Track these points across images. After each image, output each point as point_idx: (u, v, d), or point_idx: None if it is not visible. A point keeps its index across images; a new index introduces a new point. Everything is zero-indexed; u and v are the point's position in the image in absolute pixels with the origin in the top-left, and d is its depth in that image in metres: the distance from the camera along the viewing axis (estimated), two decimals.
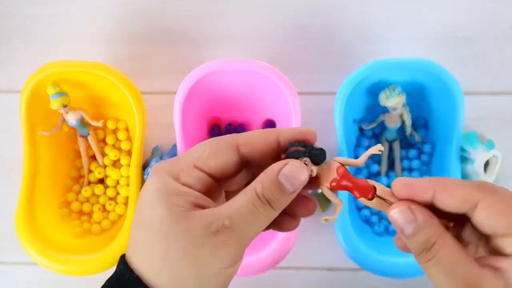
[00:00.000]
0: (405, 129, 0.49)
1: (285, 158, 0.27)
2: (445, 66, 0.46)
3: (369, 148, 0.50)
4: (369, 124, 0.50)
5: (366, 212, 0.49)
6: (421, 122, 0.50)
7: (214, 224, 0.24)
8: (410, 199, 0.26)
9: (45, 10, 0.56)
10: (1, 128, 0.55)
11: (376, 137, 0.51)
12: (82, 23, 0.55)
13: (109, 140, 0.51)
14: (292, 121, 0.45)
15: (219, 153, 0.27)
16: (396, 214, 0.26)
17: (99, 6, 0.55)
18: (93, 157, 0.52)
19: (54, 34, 0.56)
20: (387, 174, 0.50)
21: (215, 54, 0.54)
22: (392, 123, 0.48)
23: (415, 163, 0.50)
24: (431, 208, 0.26)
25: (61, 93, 0.47)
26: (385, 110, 0.48)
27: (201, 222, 0.24)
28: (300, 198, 0.28)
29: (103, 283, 0.27)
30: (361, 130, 0.51)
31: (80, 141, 0.51)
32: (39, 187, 0.48)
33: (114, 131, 0.52)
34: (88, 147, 0.52)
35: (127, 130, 0.52)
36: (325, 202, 0.50)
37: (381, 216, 0.49)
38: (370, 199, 0.27)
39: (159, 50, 0.55)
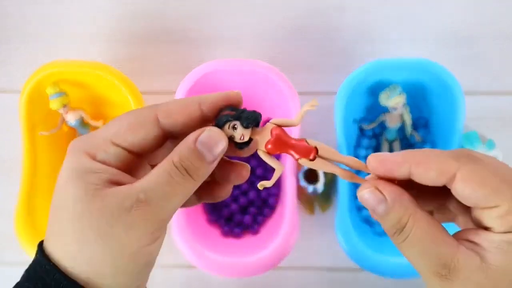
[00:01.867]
0: (405, 129, 0.49)
1: (215, 123, 0.25)
2: (445, 66, 0.45)
3: (369, 148, 0.50)
4: (369, 124, 0.49)
5: (366, 212, 0.49)
6: (422, 122, 0.50)
7: (127, 200, 0.23)
8: (385, 176, 0.25)
9: (45, 10, 0.56)
10: (1, 128, 0.55)
11: (376, 137, 0.51)
12: (82, 23, 0.55)
13: None
14: None
15: (137, 127, 0.25)
16: (366, 194, 0.25)
17: (99, 6, 0.55)
18: None
19: (54, 34, 0.56)
20: None
21: (215, 54, 0.54)
22: (393, 123, 0.48)
23: None
24: (411, 183, 0.25)
25: (61, 93, 0.47)
26: (385, 110, 0.48)
27: (116, 199, 0.23)
28: (231, 164, 0.27)
29: None
30: (361, 130, 0.51)
31: None
32: (39, 187, 0.48)
33: None
34: None
35: None
36: (325, 202, 0.50)
37: None
38: (312, 160, 0.26)
39: (159, 50, 0.55)
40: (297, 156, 0.26)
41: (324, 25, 0.54)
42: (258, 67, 0.45)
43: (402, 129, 0.49)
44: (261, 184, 0.27)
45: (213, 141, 0.25)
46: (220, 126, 0.25)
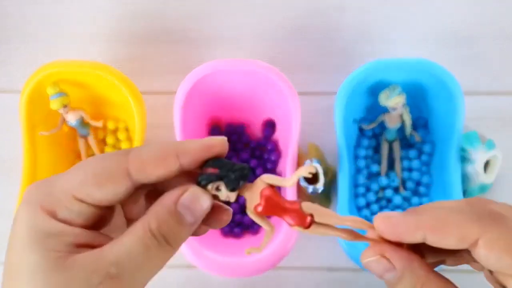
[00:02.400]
0: (405, 129, 0.49)
1: (197, 182, 0.22)
2: (445, 66, 0.45)
3: (368, 148, 0.50)
4: (369, 124, 0.49)
5: (366, 212, 0.49)
6: (421, 122, 0.50)
7: (96, 275, 0.20)
8: (394, 240, 0.22)
9: (45, 10, 0.56)
10: (1, 128, 0.55)
11: (376, 137, 0.51)
12: (82, 23, 0.55)
13: (109, 140, 0.51)
14: (292, 121, 0.45)
15: (104, 180, 0.21)
16: (372, 264, 0.22)
17: (99, 6, 0.55)
18: None
19: (54, 34, 0.56)
20: (387, 174, 0.50)
21: (215, 54, 0.54)
22: (392, 123, 0.48)
23: (415, 163, 0.50)
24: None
25: (61, 93, 0.47)
26: (385, 110, 0.48)
27: (81, 272, 0.20)
28: (212, 209, 0.23)
29: None
30: (361, 130, 0.51)
31: (80, 141, 0.51)
32: None
33: (114, 131, 0.52)
34: (88, 147, 0.52)
35: (127, 130, 0.52)
36: (325, 202, 0.50)
37: None
38: (307, 228, 0.22)
39: (159, 50, 0.55)
40: (291, 223, 0.23)
41: (324, 25, 0.54)
42: (258, 67, 0.45)
43: (401, 129, 0.49)
44: (249, 251, 0.24)
45: (197, 202, 0.22)
46: (202, 186, 0.22)
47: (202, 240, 0.44)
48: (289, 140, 0.46)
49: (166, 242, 0.21)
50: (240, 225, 0.49)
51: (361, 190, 0.50)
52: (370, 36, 0.54)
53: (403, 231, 0.22)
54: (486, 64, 0.53)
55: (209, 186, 0.22)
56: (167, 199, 0.21)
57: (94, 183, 0.21)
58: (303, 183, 0.44)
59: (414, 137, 0.50)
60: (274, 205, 0.22)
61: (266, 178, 0.23)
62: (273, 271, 0.52)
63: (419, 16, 0.54)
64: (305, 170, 0.23)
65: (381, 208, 0.50)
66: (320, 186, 0.43)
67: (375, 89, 0.47)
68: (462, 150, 0.47)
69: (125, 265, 0.20)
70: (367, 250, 0.22)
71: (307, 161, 0.44)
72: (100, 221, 0.23)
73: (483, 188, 0.49)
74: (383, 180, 0.50)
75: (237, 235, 0.48)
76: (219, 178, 0.22)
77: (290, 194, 0.44)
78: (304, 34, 0.54)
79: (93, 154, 0.52)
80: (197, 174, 0.23)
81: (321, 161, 0.48)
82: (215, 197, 0.23)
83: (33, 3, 0.56)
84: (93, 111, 0.51)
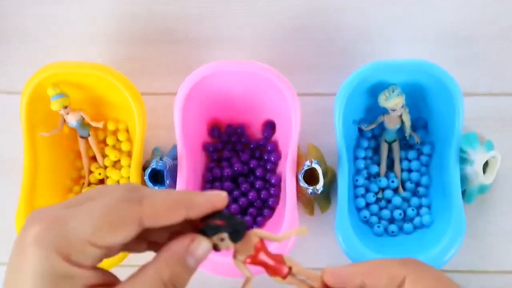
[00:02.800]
0: (404, 130, 0.49)
1: (203, 230, 0.24)
2: (444, 67, 0.46)
3: (368, 149, 0.51)
4: (368, 125, 0.50)
5: (365, 213, 0.49)
6: (421, 123, 0.50)
7: None
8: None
9: (45, 10, 0.56)
10: (1, 129, 0.55)
11: (376, 138, 0.51)
12: (82, 23, 0.55)
13: (109, 141, 0.52)
14: (292, 122, 0.45)
15: (118, 226, 0.22)
16: None
17: (99, 6, 0.55)
18: (93, 158, 0.52)
19: (54, 34, 0.56)
20: (386, 175, 0.50)
21: (215, 54, 0.54)
22: (392, 124, 0.48)
23: (415, 164, 0.50)
24: None
25: (62, 94, 0.47)
26: (384, 111, 0.48)
27: None
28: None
29: None
30: (360, 131, 0.51)
31: (81, 142, 0.51)
32: (39, 187, 0.48)
33: (114, 132, 0.52)
34: (89, 148, 0.52)
35: (127, 131, 0.52)
36: (325, 203, 0.51)
37: (380, 217, 0.50)
38: (284, 278, 0.26)
39: (159, 50, 0.55)
40: (271, 273, 0.26)
41: (324, 26, 0.54)
42: (258, 68, 0.45)
43: (401, 130, 0.49)
44: None
45: (205, 254, 0.24)
46: (208, 235, 0.24)
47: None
48: (289, 140, 0.46)
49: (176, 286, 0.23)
50: None
51: (361, 191, 0.50)
52: (370, 36, 0.54)
53: (345, 279, 0.26)
54: (485, 65, 0.53)
55: (215, 237, 0.24)
56: (179, 248, 0.23)
57: (108, 229, 0.22)
58: (303, 184, 0.44)
59: (413, 138, 0.50)
60: (263, 258, 0.26)
61: (259, 233, 0.26)
62: None
63: (419, 16, 0.54)
64: (298, 232, 0.26)
65: (381, 209, 0.50)
66: (319, 187, 0.43)
67: (374, 90, 0.47)
68: (461, 151, 0.48)
69: None
70: None
71: (307, 162, 0.44)
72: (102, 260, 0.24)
73: (482, 189, 0.49)
74: (383, 181, 0.50)
75: None
76: (224, 229, 0.24)
77: (290, 196, 0.44)
78: (304, 34, 0.54)
79: (93, 155, 0.52)
80: (194, 222, 0.25)
81: (321, 161, 0.48)
82: (215, 245, 0.25)
83: (33, 3, 0.56)
84: (93, 112, 0.51)
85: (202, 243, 0.24)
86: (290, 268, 0.26)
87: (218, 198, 0.25)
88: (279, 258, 0.26)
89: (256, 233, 0.26)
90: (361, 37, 0.54)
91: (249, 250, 0.25)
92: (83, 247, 0.22)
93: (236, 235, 0.24)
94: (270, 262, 0.26)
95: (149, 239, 0.26)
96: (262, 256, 0.26)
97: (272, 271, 0.26)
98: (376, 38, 0.54)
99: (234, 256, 0.26)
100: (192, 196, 0.24)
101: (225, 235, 0.24)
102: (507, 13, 0.53)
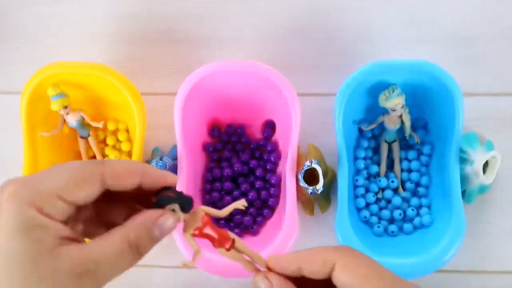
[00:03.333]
0: (404, 130, 0.49)
1: (157, 201, 0.27)
2: (444, 67, 0.46)
3: (368, 149, 0.51)
4: (368, 125, 0.50)
5: (365, 213, 0.49)
6: (421, 123, 0.50)
7: (79, 267, 0.24)
8: (281, 273, 0.28)
9: (45, 10, 0.56)
10: (1, 129, 0.55)
11: (376, 138, 0.51)
12: (82, 23, 0.55)
13: (110, 141, 0.52)
14: (292, 122, 0.45)
15: (84, 183, 0.26)
16: (259, 282, 0.28)
17: (99, 6, 0.55)
18: (93, 158, 0.52)
19: (54, 34, 0.56)
20: (386, 175, 0.50)
21: (215, 54, 0.54)
22: (392, 124, 0.48)
23: (414, 164, 0.50)
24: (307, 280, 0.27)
25: (62, 94, 0.47)
26: (384, 111, 0.48)
27: (67, 263, 0.24)
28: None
29: None
30: (360, 131, 0.51)
31: (81, 142, 0.51)
32: None
33: (114, 132, 0.52)
34: (89, 148, 0.52)
35: (127, 131, 0.52)
36: (325, 203, 0.51)
37: (380, 217, 0.50)
38: (227, 250, 0.29)
39: (159, 51, 0.55)
40: (216, 245, 0.29)
41: (324, 26, 0.54)
42: (258, 68, 0.45)
43: (401, 130, 0.49)
44: (184, 264, 0.29)
45: (170, 226, 0.27)
46: (160, 206, 0.27)
47: (202, 241, 0.44)
48: (289, 141, 0.46)
49: (138, 252, 0.26)
50: (240, 226, 0.49)
51: (361, 191, 0.50)
52: (370, 36, 0.54)
53: (285, 265, 0.28)
54: (485, 65, 0.53)
55: (167, 207, 0.27)
56: (146, 219, 0.26)
57: (75, 185, 0.25)
58: (303, 184, 0.44)
59: (413, 138, 0.50)
60: (209, 230, 0.29)
61: (205, 208, 0.29)
62: None
63: (419, 16, 0.54)
64: (240, 204, 0.30)
65: (381, 209, 0.50)
66: (319, 187, 0.43)
67: (374, 90, 0.47)
68: (461, 151, 0.48)
69: (101, 264, 0.25)
70: (257, 273, 0.28)
71: (307, 162, 0.44)
72: (75, 220, 0.27)
73: (482, 189, 0.49)
74: (383, 181, 0.50)
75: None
76: (175, 201, 0.27)
77: (290, 196, 0.44)
78: (304, 34, 0.54)
79: (93, 155, 0.52)
80: (147, 200, 0.28)
81: (321, 162, 0.48)
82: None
83: (33, 3, 0.56)
84: (93, 112, 0.51)
85: (170, 219, 0.27)
86: (233, 241, 0.29)
87: (170, 175, 0.28)
88: (223, 233, 0.29)
89: (203, 209, 0.29)
90: (361, 37, 0.54)
91: (197, 224, 0.28)
92: (54, 201, 0.25)
93: (186, 206, 0.28)
94: (215, 235, 0.29)
95: (107, 219, 0.29)
96: (208, 230, 0.29)
97: (217, 242, 0.29)
98: (376, 38, 0.54)
99: (184, 230, 0.29)
100: (148, 167, 0.28)
101: (176, 206, 0.27)
102: (507, 13, 0.53)
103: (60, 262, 0.24)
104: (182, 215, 0.28)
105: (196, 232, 0.28)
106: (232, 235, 0.29)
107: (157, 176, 0.28)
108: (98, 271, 0.24)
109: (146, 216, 0.26)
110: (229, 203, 0.49)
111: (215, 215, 0.30)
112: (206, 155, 0.52)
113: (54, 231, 0.24)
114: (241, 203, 0.30)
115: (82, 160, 0.28)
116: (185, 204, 0.28)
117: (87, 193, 0.26)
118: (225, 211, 0.30)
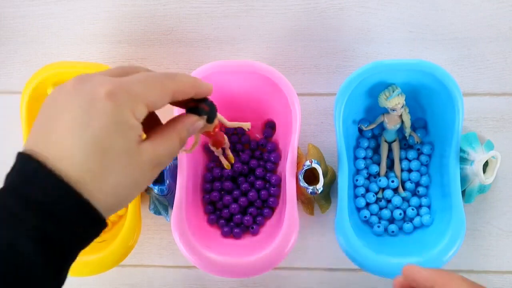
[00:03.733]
0: (404, 130, 0.49)
1: (194, 109, 0.35)
2: (444, 67, 0.46)
3: (368, 149, 0.51)
4: (368, 125, 0.50)
5: (365, 212, 0.49)
6: (421, 123, 0.50)
7: (154, 160, 0.31)
8: (410, 285, 0.33)
9: (45, 10, 0.56)
10: (1, 129, 0.55)
11: (376, 138, 0.51)
12: (82, 23, 0.55)
13: None
14: (292, 122, 0.45)
15: (163, 97, 0.31)
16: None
17: (99, 7, 0.55)
18: None
19: (55, 34, 0.56)
20: (386, 175, 0.50)
21: (215, 55, 0.54)
22: (392, 124, 0.48)
23: (414, 164, 0.50)
24: None
25: None
26: (384, 111, 0.48)
27: (147, 156, 0.30)
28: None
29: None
30: (360, 131, 0.51)
31: None
32: None
33: None
34: None
35: None
36: (325, 202, 0.51)
37: (380, 217, 0.50)
38: (217, 149, 0.45)
39: (159, 50, 0.55)
40: (212, 143, 0.43)
41: (324, 26, 0.54)
42: (258, 69, 0.45)
43: (401, 130, 0.49)
44: (185, 151, 0.41)
45: (199, 128, 0.35)
46: (195, 112, 0.35)
47: (202, 241, 0.44)
48: (289, 141, 0.46)
49: (183, 144, 0.33)
50: (240, 226, 0.49)
51: (361, 190, 0.50)
52: (370, 36, 0.54)
53: (419, 280, 0.32)
54: (485, 65, 0.53)
55: (201, 115, 0.36)
56: (190, 122, 0.34)
57: (159, 97, 0.31)
58: (303, 184, 0.44)
59: (413, 138, 0.50)
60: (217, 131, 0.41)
61: (219, 117, 0.41)
62: (273, 271, 0.52)
63: (419, 16, 0.54)
64: (245, 125, 0.45)
65: (381, 209, 0.50)
66: (319, 187, 0.43)
67: (374, 90, 0.48)
68: (461, 151, 0.48)
69: (166, 158, 0.32)
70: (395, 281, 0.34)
71: (307, 162, 0.44)
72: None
73: (482, 189, 0.49)
74: (383, 181, 0.50)
75: (237, 236, 0.49)
76: (206, 113, 0.35)
77: (290, 196, 0.44)
78: (304, 34, 0.54)
79: None
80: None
81: (321, 162, 0.48)
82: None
83: (33, 4, 0.56)
84: None
85: (200, 123, 0.35)
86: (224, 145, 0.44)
87: (208, 89, 0.35)
88: (222, 138, 0.42)
89: (218, 118, 0.39)
90: (361, 37, 0.54)
91: (209, 129, 0.38)
92: (142, 106, 0.30)
93: (211, 119, 0.36)
94: (217, 137, 0.42)
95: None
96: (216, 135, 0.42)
97: (214, 142, 0.42)
98: (376, 38, 0.54)
99: (201, 131, 0.38)
100: (200, 82, 0.34)
101: (205, 117, 0.35)
102: (507, 15, 0.53)
103: (144, 156, 0.30)
104: (204, 124, 0.36)
105: (212, 132, 0.39)
106: (226, 142, 0.44)
107: (203, 91, 0.34)
108: (164, 162, 0.32)
109: (189, 120, 0.33)
110: (229, 203, 0.49)
111: (223, 122, 0.43)
112: (206, 155, 0.52)
113: (138, 131, 0.30)
114: (247, 125, 0.45)
115: (158, 73, 0.32)
116: (212, 117, 0.36)
117: (163, 103, 0.31)
118: (231, 124, 0.44)
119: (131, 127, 0.29)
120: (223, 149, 0.46)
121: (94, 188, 0.28)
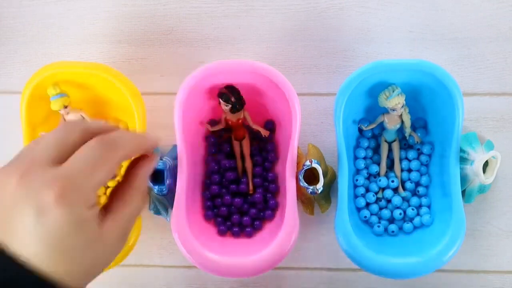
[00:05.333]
0: (404, 130, 0.49)
1: (221, 94, 0.44)
2: (444, 67, 0.46)
3: (368, 149, 0.51)
4: (368, 125, 0.50)
5: (365, 212, 0.49)
6: (421, 123, 0.50)
7: (120, 234, 0.31)
8: None
9: (45, 10, 0.56)
10: (1, 129, 0.55)
11: (376, 138, 0.51)
12: (82, 23, 0.55)
13: None
14: (293, 122, 0.45)
15: (110, 171, 0.31)
16: None
17: (99, 6, 0.55)
18: None
19: (54, 34, 0.56)
20: (386, 175, 0.50)
21: (215, 55, 0.54)
22: (392, 124, 0.48)
23: (414, 164, 0.50)
24: None
25: (62, 94, 0.47)
26: (384, 110, 0.48)
27: (113, 236, 0.30)
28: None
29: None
30: (360, 131, 0.51)
31: None
32: None
33: None
34: None
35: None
36: (325, 202, 0.51)
37: (380, 217, 0.50)
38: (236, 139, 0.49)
39: (159, 50, 0.55)
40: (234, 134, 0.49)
41: (324, 26, 0.54)
42: (258, 69, 0.45)
43: (401, 129, 0.49)
44: (206, 125, 0.49)
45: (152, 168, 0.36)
46: (222, 99, 0.45)
47: (202, 241, 0.44)
48: (289, 140, 0.46)
49: (145, 197, 0.35)
50: (239, 225, 0.49)
51: (361, 190, 0.50)
52: (370, 36, 0.54)
53: None
54: (485, 65, 0.53)
55: (226, 103, 0.45)
56: (145, 171, 0.35)
57: (104, 175, 0.30)
58: (303, 184, 0.44)
59: (413, 137, 0.50)
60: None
61: (245, 114, 0.48)
62: (273, 271, 0.52)
63: (419, 16, 0.54)
64: (263, 131, 0.49)
65: (381, 209, 0.50)
66: (319, 186, 0.43)
67: (374, 90, 0.48)
68: (461, 151, 0.48)
69: (130, 225, 0.33)
70: None
71: (307, 162, 0.44)
72: None
73: (482, 189, 0.49)
74: (383, 181, 0.50)
75: (236, 236, 0.49)
76: (231, 103, 0.44)
77: (290, 196, 0.44)
78: (304, 34, 0.54)
79: None
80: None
81: (321, 161, 0.48)
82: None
83: (33, 4, 0.56)
84: (93, 112, 0.51)
85: (153, 163, 0.36)
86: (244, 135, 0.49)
87: (156, 141, 0.36)
88: (242, 131, 0.49)
89: (244, 114, 0.47)
90: (361, 37, 0.54)
91: (233, 118, 0.46)
92: (92, 194, 0.29)
93: (235, 110, 0.44)
94: (239, 128, 0.48)
95: None
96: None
97: (235, 132, 0.49)
98: (376, 38, 0.54)
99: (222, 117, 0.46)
100: (145, 139, 0.35)
101: (230, 106, 0.43)
102: (506, 14, 0.53)
103: (108, 236, 0.30)
104: (228, 113, 0.45)
105: (233, 121, 0.47)
106: (246, 139, 0.49)
107: (151, 144, 0.35)
108: (131, 227, 0.32)
109: (144, 170, 0.34)
110: (229, 202, 0.49)
111: (248, 120, 0.48)
112: (206, 155, 0.52)
113: (96, 214, 0.30)
114: (265, 133, 0.49)
115: (97, 144, 0.31)
116: (234, 108, 0.45)
117: (113, 174, 0.31)
118: (254, 125, 0.48)
119: (86, 220, 0.29)
120: (242, 153, 0.50)
121: (64, 275, 0.28)
